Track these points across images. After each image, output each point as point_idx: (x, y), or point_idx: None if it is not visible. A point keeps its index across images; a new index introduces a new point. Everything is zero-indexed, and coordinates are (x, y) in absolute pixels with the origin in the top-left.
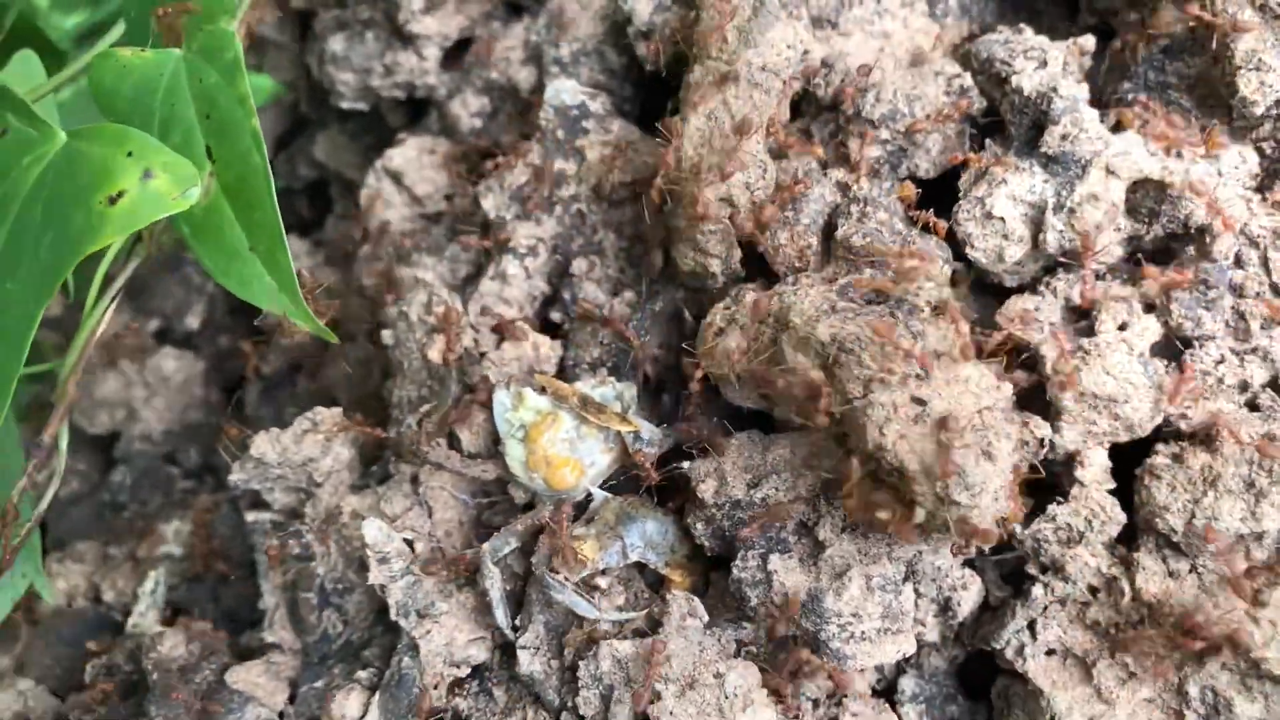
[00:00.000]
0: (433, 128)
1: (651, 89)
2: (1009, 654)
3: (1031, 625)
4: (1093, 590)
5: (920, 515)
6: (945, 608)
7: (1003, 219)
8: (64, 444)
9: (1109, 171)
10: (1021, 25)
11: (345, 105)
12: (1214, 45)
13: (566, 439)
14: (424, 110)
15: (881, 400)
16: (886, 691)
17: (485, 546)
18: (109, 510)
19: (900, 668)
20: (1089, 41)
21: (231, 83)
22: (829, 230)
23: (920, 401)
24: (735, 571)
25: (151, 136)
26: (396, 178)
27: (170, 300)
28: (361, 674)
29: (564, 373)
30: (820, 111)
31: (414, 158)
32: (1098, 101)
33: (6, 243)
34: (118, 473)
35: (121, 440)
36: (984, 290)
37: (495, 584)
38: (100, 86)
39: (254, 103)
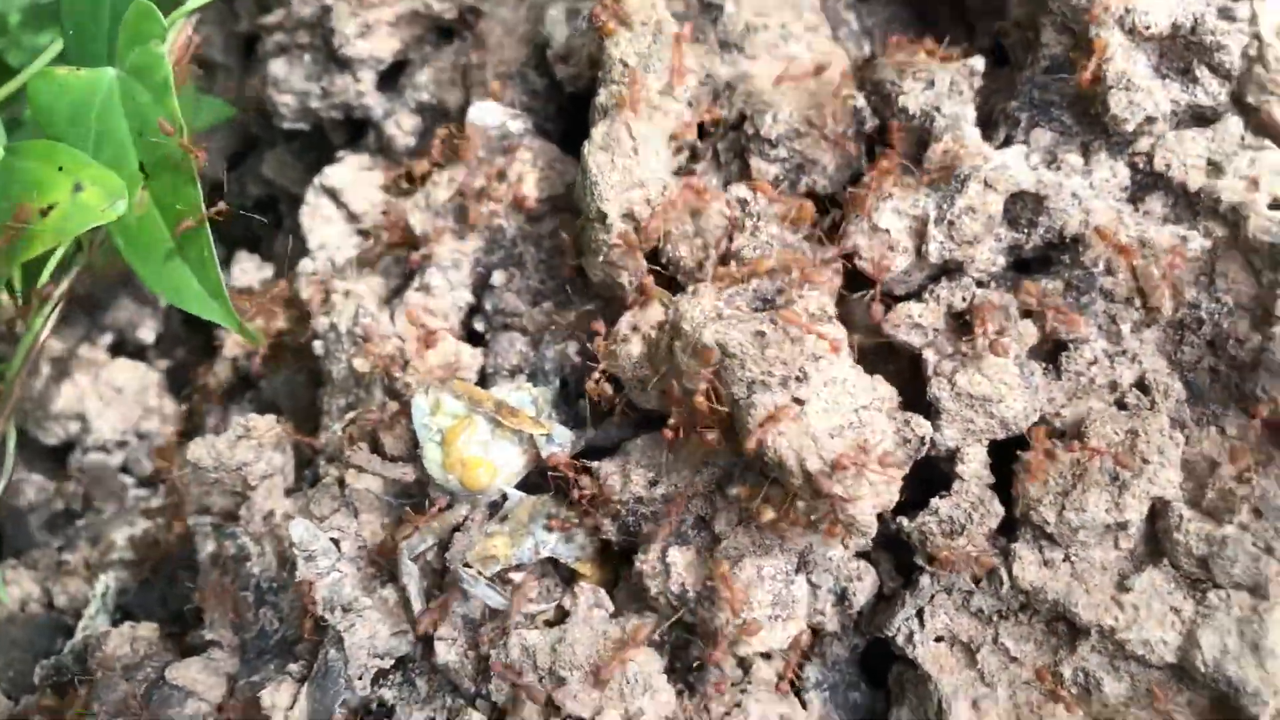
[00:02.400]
0: (370, 146)
1: (573, 110)
2: (900, 641)
3: (920, 613)
4: (975, 580)
5: (800, 509)
6: (842, 598)
7: (888, 231)
8: (11, 444)
9: (987, 185)
10: (915, 48)
11: (287, 126)
12: (1090, 68)
13: (481, 441)
14: (364, 129)
15: (762, 401)
16: (791, 680)
17: (402, 544)
18: (63, 519)
19: (805, 656)
20: (978, 62)
21: (162, 101)
22: (727, 243)
23: (799, 401)
24: (637, 564)
25: (82, 152)
26: (334, 195)
27: (125, 313)
28: (292, 667)
29: (485, 379)
30: (726, 131)
31: (350, 175)
32: (988, 119)
33: None
34: (71, 483)
35: (75, 450)
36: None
37: (413, 579)
38: (38, 104)
39: (204, 123)
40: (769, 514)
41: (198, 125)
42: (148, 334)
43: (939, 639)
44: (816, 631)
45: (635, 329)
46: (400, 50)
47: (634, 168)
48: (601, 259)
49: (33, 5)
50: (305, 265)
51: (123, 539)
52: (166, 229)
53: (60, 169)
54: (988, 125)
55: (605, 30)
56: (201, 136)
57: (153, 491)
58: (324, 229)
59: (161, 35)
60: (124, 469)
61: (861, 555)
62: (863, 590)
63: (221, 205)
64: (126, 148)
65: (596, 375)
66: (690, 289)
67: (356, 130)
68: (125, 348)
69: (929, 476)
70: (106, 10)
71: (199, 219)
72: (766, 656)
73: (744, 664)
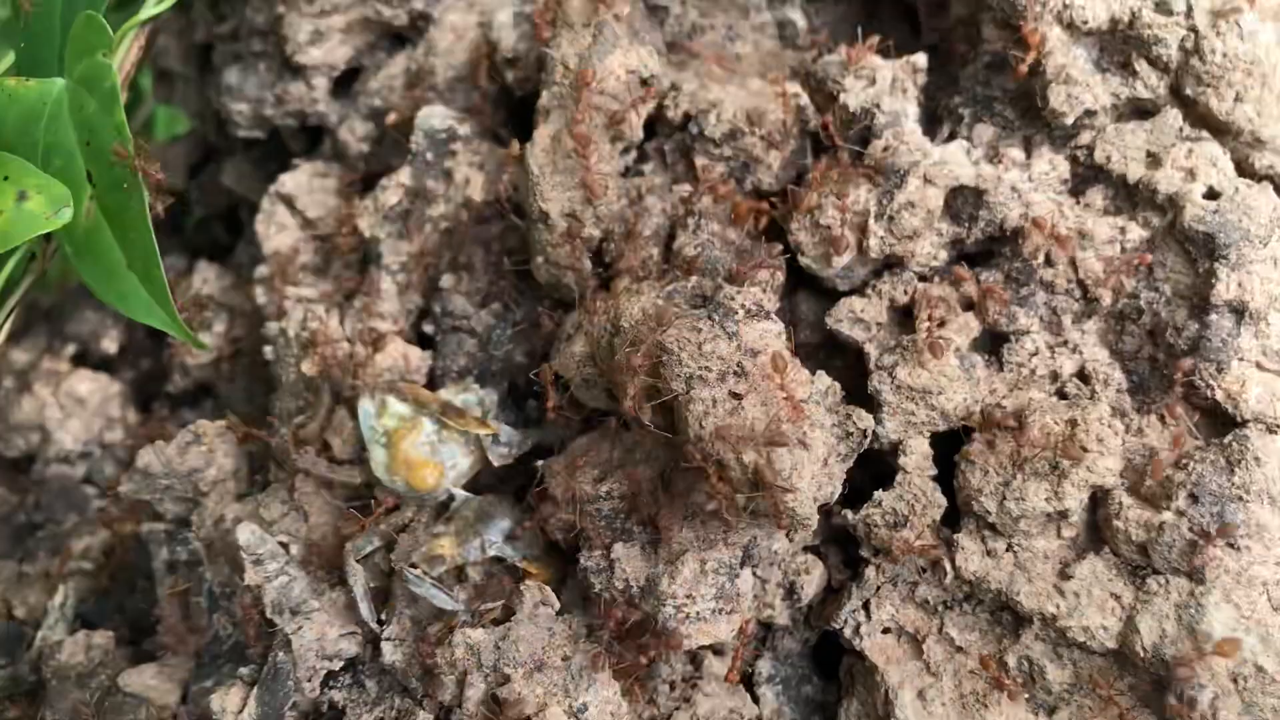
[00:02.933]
0: (325, 153)
1: (523, 114)
2: (847, 634)
3: (866, 605)
4: (920, 570)
5: (740, 502)
6: (791, 591)
7: (829, 227)
8: None
9: (927, 180)
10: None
11: (242, 134)
12: (1027, 62)
13: (427, 443)
14: (321, 137)
15: (701, 396)
16: (744, 676)
17: (348, 545)
18: (25, 531)
19: (757, 651)
20: (921, 59)
21: (110, 111)
22: (670, 241)
23: (737, 396)
24: (582, 561)
25: (27, 161)
26: (289, 201)
27: (87, 325)
28: (243, 670)
29: (434, 381)
30: (672, 131)
31: (305, 182)
32: (932, 115)
33: None
34: (33, 494)
35: (37, 462)
36: (820, 294)
37: (359, 580)
38: None
39: (164, 134)
40: (710, 505)
41: (157, 137)
42: (110, 345)
43: (885, 630)
44: (768, 626)
45: (579, 328)
46: (353, 57)
47: (575, 168)
48: (544, 259)
49: None
50: (260, 271)
51: (82, 549)
52: (114, 238)
53: (5, 178)
54: (933, 122)
55: (541, 35)
56: (161, 148)
57: (116, 501)
58: (279, 236)
59: (109, 46)
60: (87, 480)
61: (810, 549)
62: (811, 583)
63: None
64: (74, 158)
65: (550, 377)
66: (634, 287)
67: (314, 139)
68: (88, 359)
69: (873, 470)
70: (58, 23)
71: (145, 228)
72: (717, 652)
73: (694, 659)
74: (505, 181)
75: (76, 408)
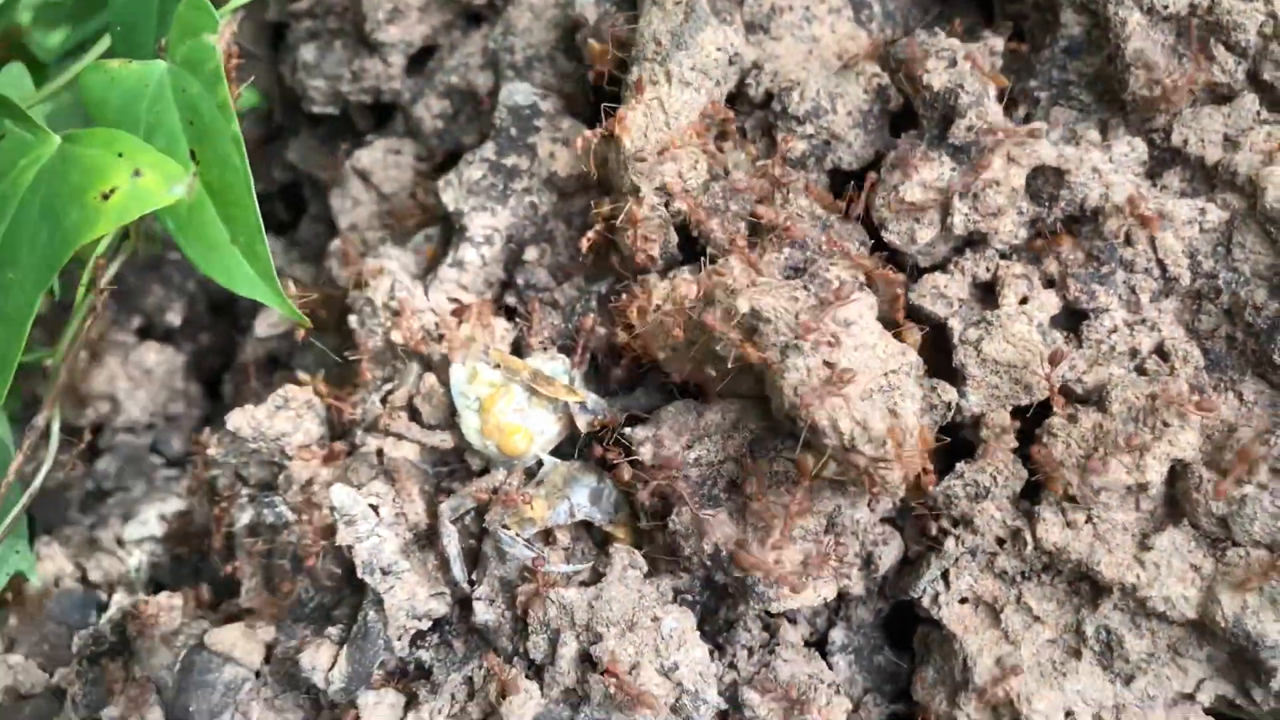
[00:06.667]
0: (398, 130)
1: (601, 91)
2: (925, 603)
3: (945, 575)
4: (999, 541)
5: (832, 469)
6: (868, 562)
7: (914, 204)
8: (56, 427)
9: (1010, 160)
10: (936, 29)
11: (316, 110)
12: (1109, 46)
13: (518, 409)
14: (389, 114)
15: (796, 364)
16: (818, 644)
17: (443, 506)
18: (94, 498)
19: (830, 621)
20: (998, 43)
21: (213, 91)
22: (757, 218)
23: (830, 365)
24: (671, 525)
25: (139, 139)
26: (364, 176)
27: (152, 299)
28: (331, 630)
29: (517, 351)
30: (753, 109)
31: (380, 158)
32: (1009, 100)
33: (5, 236)
34: (103, 461)
35: (106, 431)
36: (901, 271)
37: (452, 541)
38: (90, 96)
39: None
40: (802, 475)
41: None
42: (175, 318)
43: (963, 600)
44: (843, 596)
45: (668, 299)
46: (429, 35)
47: (666, 143)
48: (634, 233)
49: (44, 4)
50: (335, 245)
51: (154, 516)
52: (218, 214)
53: (120, 155)
54: (1008, 106)
55: (640, 7)
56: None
57: (181, 471)
58: (355, 210)
59: (213, 28)
60: (153, 449)
61: (888, 520)
62: (889, 554)
63: None
64: (178, 137)
65: (625, 340)
66: (721, 261)
67: (382, 116)
68: (153, 332)
69: (954, 442)
70: (154, 6)
71: (250, 204)
72: (791, 620)
73: (769, 628)
74: (592, 156)
75: (144, 379)
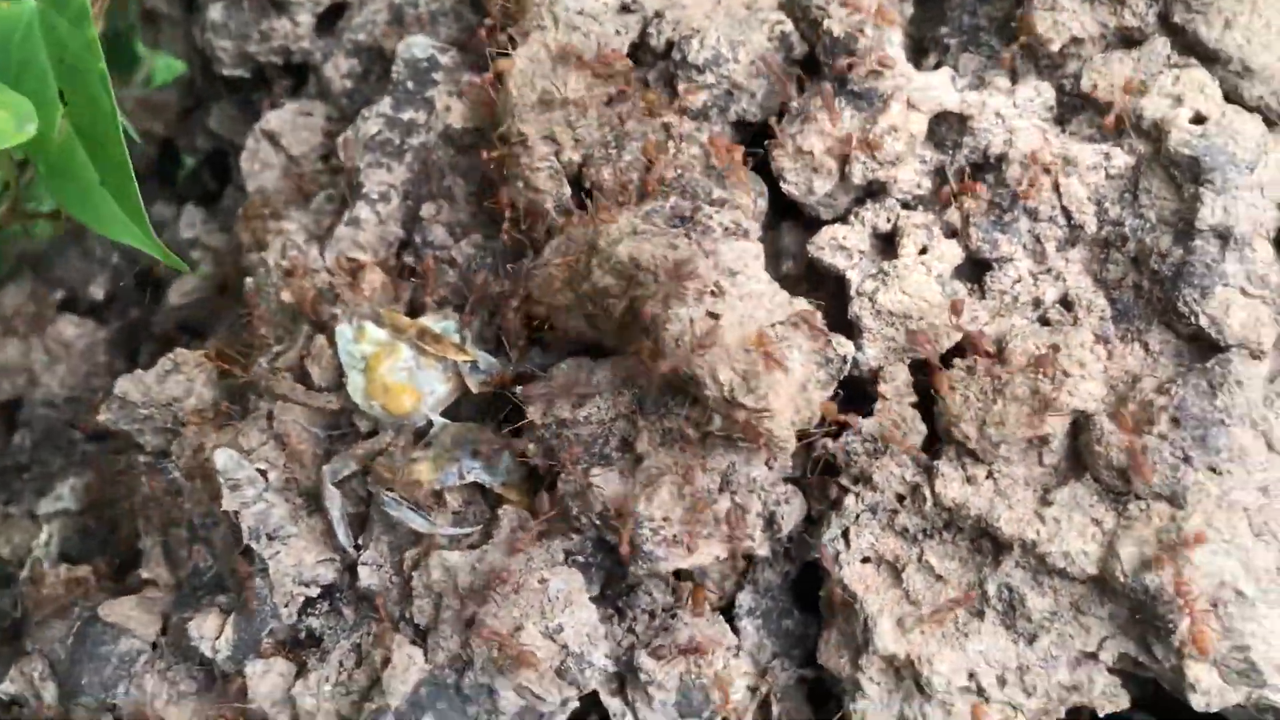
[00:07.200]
0: (310, 92)
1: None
2: (827, 563)
3: (846, 534)
4: (899, 498)
5: (717, 422)
6: (771, 522)
7: (811, 153)
8: None
9: (910, 105)
10: None
11: (226, 72)
12: None
13: (405, 368)
14: (305, 76)
15: (678, 314)
16: (726, 609)
17: (325, 469)
18: (11, 472)
19: (739, 584)
20: None
21: (80, 28)
22: (649, 167)
23: (714, 316)
24: (560, 486)
25: None
26: (273, 138)
27: (74, 272)
28: (221, 598)
29: (414, 311)
30: (656, 59)
31: (289, 120)
32: (918, 45)
33: None
34: (19, 435)
35: (24, 405)
36: (803, 226)
37: (335, 504)
38: None
39: (160, 81)
40: (687, 426)
41: (154, 84)
42: (98, 291)
43: (865, 560)
44: (749, 558)
45: (557, 251)
46: None
47: (553, 90)
48: (523, 184)
49: None
50: (243, 209)
51: (68, 490)
52: (87, 155)
53: None
54: (918, 53)
55: None
56: (150, 95)
57: (101, 445)
58: (263, 174)
59: None
60: (72, 424)
61: (791, 480)
62: (791, 514)
63: None
64: (47, 76)
65: (527, 305)
66: (609, 209)
67: (299, 82)
68: (76, 306)
69: (852, 396)
70: None
71: (119, 145)
72: (697, 584)
73: (674, 590)
74: (485, 110)
75: (63, 352)
